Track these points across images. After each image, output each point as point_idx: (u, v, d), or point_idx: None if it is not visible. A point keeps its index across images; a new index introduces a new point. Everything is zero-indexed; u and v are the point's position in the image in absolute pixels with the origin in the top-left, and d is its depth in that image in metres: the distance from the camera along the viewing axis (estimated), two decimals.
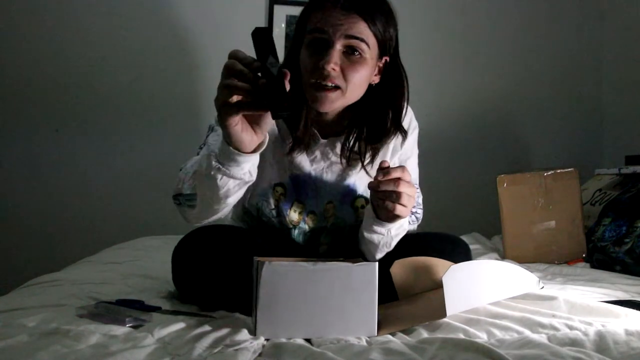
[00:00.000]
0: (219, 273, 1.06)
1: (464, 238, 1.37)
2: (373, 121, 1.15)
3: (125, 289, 1.22)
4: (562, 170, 1.90)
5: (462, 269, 1.02)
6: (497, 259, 1.76)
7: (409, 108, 1.25)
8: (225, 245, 1.09)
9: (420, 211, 1.29)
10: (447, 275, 0.96)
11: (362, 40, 1.05)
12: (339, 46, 1.04)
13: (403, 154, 1.24)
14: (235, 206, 1.32)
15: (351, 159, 1.18)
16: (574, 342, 0.86)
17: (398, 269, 1.08)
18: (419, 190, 1.30)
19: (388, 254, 1.14)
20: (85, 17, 2.32)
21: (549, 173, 1.88)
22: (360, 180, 1.21)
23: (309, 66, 1.06)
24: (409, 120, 1.25)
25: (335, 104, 1.08)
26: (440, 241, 1.21)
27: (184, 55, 2.40)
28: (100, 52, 2.33)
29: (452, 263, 1.04)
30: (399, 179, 0.97)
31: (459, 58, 2.60)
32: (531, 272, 1.20)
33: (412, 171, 1.26)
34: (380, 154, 1.20)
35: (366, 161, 1.17)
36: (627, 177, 2.02)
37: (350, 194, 1.21)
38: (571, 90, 2.71)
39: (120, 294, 1.14)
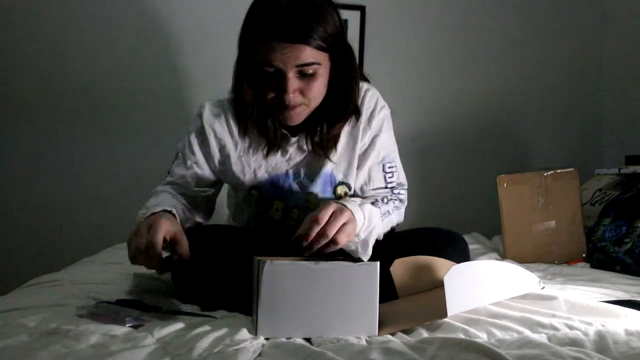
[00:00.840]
0: (216, 271, 1.06)
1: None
2: (332, 107, 1.17)
3: (125, 289, 1.22)
4: (562, 170, 1.90)
5: (463, 269, 1.02)
6: (497, 259, 1.76)
7: (374, 90, 1.27)
8: (222, 244, 1.10)
9: (403, 192, 1.28)
10: (448, 276, 0.96)
11: (312, 63, 1.06)
12: (291, 75, 1.06)
13: (372, 131, 1.25)
14: (229, 206, 1.35)
15: (322, 147, 1.20)
16: (574, 342, 0.86)
17: (398, 268, 1.08)
18: (400, 168, 1.30)
19: (387, 252, 1.14)
20: (84, 19, 2.32)
21: (549, 173, 1.88)
22: (337, 168, 1.23)
23: (269, 95, 1.11)
24: (375, 100, 1.26)
25: (302, 116, 1.15)
26: (438, 237, 1.22)
27: (183, 55, 2.39)
28: (100, 52, 2.33)
29: (452, 263, 1.04)
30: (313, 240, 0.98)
31: (459, 58, 2.60)
32: (531, 272, 1.20)
33: (387, 147, 1.27)
34: (347, 135, 1.23)
35: (331, 148, 1.21)
36: (627, 177, 2.02)
37: (330, 182, 1.23)
38: (571, 90, 2.71)
39: (120, 294, 1.14)
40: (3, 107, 2.28)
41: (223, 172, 1.26)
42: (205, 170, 1.25)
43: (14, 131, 2.29)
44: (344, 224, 1.00)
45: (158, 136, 2.38)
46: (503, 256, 1.84)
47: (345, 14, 2.40)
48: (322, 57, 1.08)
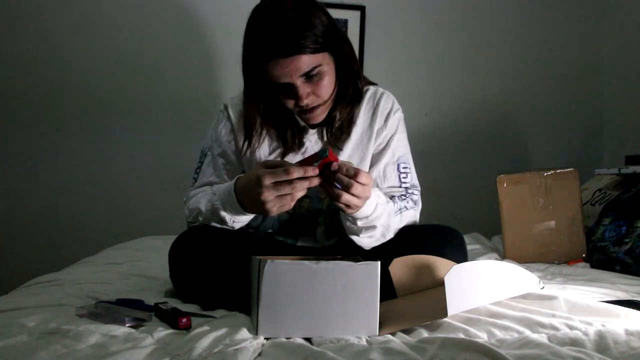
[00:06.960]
0: (216, 271, 1.06)
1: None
2: (341, 92, 1.23)
3: (125, 289, 1.22)
4: (562, 170, 1.90)
5: (463, 269, 1.02)
6: (497, 259, 1.76)
7: (389, 93, 1.33)
8: (222, 244, 1.10)
9: (417, 192, 1.31)
10: (449, 275, 0.96)
11: (314, 67, 1.11)
12: (299, 83, 1.12)
13: (388, 131, 1.30)
14: None
15: (336, 139, 1.25)
16: (574, 342, 0.86)
17: (397, 267, 1.08)
18: (413, 171, 1.33)
19: (386, 252, 1.14)
20: (85, 17, 2.32)
21: (549, 173, 1.88)
22: (350, 159, 1.26)
23: (288, 105, 1.18)
24: (392, 102, 1.32)
25: (323, 114, 1.22)
26: (435, 231, 1.24)
27: (183, 55, 2.40)
28: (100, 51, 2.33)
29: (452, 262, 1.05)
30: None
31: (459, 58, 2.60)
32: (531, 272, 1.20)
33: (401, 148, 1.32)
34: (362, 132, 1.27)
35: (344, 139, 1.26)
36: (627, 177, 2.02)
37: None
38: (571, 90, 2.71)
39: (120, 294, 1.14)
40: (3, 107, 2.28)
41: (246, 163, 1.30)
42: (234, 161, 1.29)
43: (14, 131, 2.29)
44: (355, 195, 1.01)
45: (159, 136, 2.38)
46: (503, 256, 1.84)
47: (345, 14, 2.43)
48: (321, 57, 1.12)
